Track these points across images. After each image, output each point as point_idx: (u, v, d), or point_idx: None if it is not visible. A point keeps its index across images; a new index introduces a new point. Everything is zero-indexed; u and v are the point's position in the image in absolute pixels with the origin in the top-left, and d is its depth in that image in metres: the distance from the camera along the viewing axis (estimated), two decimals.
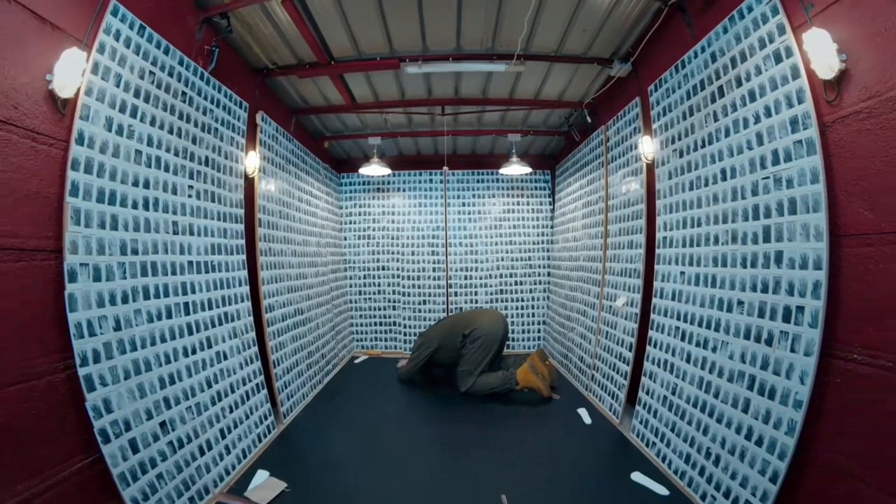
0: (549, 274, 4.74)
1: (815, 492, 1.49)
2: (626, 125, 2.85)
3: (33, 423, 1.38)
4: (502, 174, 4.54)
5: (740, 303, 1.75)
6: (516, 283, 4.80)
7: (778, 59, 1.56)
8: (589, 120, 3.40)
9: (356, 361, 4.43)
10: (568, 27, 2.41)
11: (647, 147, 2.48)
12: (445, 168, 4.60)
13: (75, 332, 1.48)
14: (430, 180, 4.85)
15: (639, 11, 2.26)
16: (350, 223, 4.90)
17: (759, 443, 1.62)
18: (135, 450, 1.65)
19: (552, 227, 4.75)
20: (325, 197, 4.36)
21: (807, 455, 1.50)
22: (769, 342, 1.59)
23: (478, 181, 4.84)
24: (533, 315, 4.77)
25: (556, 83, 3.13)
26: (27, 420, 1.36)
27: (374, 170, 3.99)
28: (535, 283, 4.78)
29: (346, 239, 4.88)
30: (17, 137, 1.35)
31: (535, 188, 4.84)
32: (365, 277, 4.88)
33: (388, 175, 4.60)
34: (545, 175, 4.83)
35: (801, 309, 1.46)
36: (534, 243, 4.80)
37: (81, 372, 1.49)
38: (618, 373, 2.81)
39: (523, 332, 4.76)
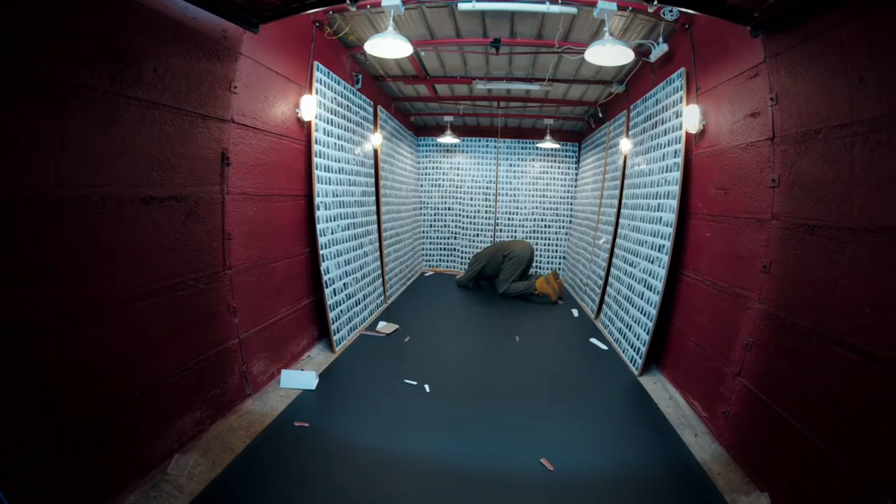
0: (570, 222, 5.97)
1: (671, 343, 2.77)
2: (618, 127, 3.96)
3: (291, 278, 2.85)
4: (539, 147, 5.67)
5: (646, 241, 3.02)
6: (546, 227, 6.09)
7: (676, 115, 2.69)
8: (601, 115, 4.46)
9: (426, 275, 6.00)
10: (581, 64, 3.49)
11: (626, 145, 3.63)
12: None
13: (320, 233, 3.00)
14: (486, 146, 6.08)
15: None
16: (426, 175, 6.29)
17: (644, 315, 2.93)
18: (335, 294, 3.21)
19: (576, 187, 5.90)
20: (410, 156, 5.75)
21: (670, 325, 2.78)
22: (653, 262, 2.87)
23: (522, 148, 6.01)
24: (556, 251, 6.09)
25: (577, 91, 4.22)
26: (289, 277, 2.83)
27: (448, 139, 5.30)
28: (560, 228, 6.05)
29: (422, 186, 6.30)
30: (290, 143, 2.76)
31: (565, 157, 5.95)
32: (435, 215, 6.34)
33: (456, 142, 5.86)
34: (573, 147, 5.90)
35: (663, 246, 2.73)
36: (561, 198, 6.00)
37: (321, 252, 3.01)
38: (596, 286, 4.15)
39: (548, 262, 6.11)
